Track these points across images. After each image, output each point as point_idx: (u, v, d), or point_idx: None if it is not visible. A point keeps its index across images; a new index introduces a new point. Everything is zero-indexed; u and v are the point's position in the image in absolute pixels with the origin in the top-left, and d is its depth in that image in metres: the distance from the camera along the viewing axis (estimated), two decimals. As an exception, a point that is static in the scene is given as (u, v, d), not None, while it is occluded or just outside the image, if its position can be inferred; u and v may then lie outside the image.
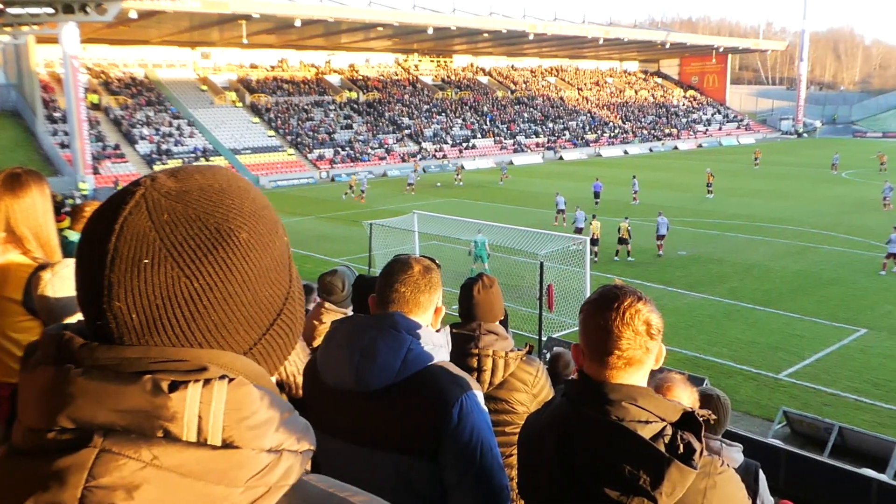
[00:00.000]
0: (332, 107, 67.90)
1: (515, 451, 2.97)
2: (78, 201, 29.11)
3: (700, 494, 1.74)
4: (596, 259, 25.04)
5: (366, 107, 69.78)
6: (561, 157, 68.06)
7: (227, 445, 0.73)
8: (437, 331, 2.31)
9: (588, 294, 18.39)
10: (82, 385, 0.72)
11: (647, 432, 1.73)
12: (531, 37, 72.59)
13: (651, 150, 74.29)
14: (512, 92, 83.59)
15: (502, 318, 3.61)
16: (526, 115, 77.78)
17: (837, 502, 9.59)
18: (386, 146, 62.60)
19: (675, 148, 76.32)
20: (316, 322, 4.94)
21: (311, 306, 8.65)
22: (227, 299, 0.76)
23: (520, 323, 16.46)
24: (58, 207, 6.00)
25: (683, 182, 44.87)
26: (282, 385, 3.29)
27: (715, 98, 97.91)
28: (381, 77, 77.72)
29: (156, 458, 0.70)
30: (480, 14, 72.76)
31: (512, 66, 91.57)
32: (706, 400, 3.60)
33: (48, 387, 0.73)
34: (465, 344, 3.30)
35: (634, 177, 38.64)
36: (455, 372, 2.19)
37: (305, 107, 66.06)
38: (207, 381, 0.73)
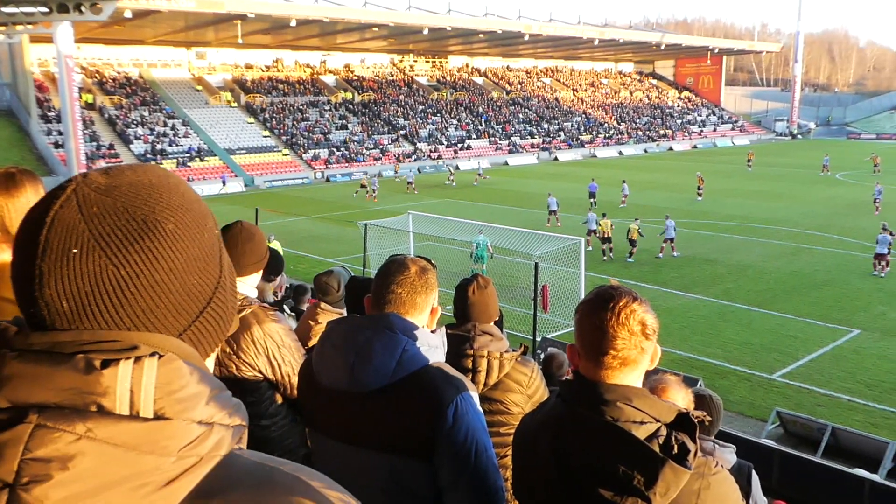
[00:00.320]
0: (327, 107, 67.85)
1: (510, 452, 2.98)
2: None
3: (694, 495, 1.74)
4: (611, 256, 25.35)
5: (361, 107, 69.75)
6: (556, 158, 68.14)
7: (158, 417, 0.77)
8: (433, 331, 2.31)
9: (582, 295, 18.39)
10: (17, 367, 0.76)
11: (641, 433, 1.73)
12: (526, 37, 72.65)
13: (646, 151, 74.44)
14: (507, 93, 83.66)
15: (497, 318, 3.62)
16: (521, 115, 77.85)
17: (830, 502, 9.62)
18: (381, 147, 62.58)
19: (670, 149, 76.50)
20: (312, 322, 4.94)
21: (305, 307, 8.68)
22: (154, 286, 0.79)
23: (514, 323, 16.48)
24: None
25: (678, 183, 44.94)
26: (277, 385, 3.29)
27: (710, 99, 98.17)
28: (377, 77, 77.70)
29: (90, 430, 0.73)
30: (476, 15, 72.81)
31: (507, 67, 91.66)
32: (698, 400, 3.60)
33: None
34: (459, 345, 3.30)
35: (624, 181, 38.65)
36: (450, 373, 2.19)
37: (300, 107, 66.00)
38: (138, 359, 0.77)
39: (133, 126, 55.49)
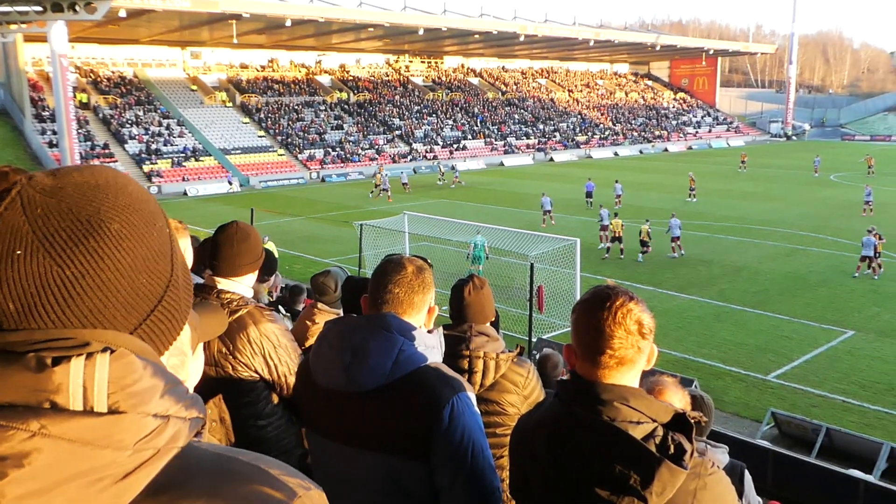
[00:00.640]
0: (322, 107, 67.78)
1: (506, 453, 2.98)
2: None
3: (690, 495, 1.74)
4: (622, 256, 25.53)
5: (356, 107, 69.70)
6: (551, 159, 68.19)
7: (112, 412, 0.77)
8: (430, 331, 2.31)
9: (578, 295, 18.44)
10: None
11: (638, 433, 1.74)
12: (522, 38, 72.69)
13: (641, 152, 74.56)
14: (503, 93, 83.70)
15: (493, 319, 3.61)
16: (517, 116, 77.89)
17: (825, 503, 9.65)
18: (376, 147, 62.55)
19: (666, 150, 76.63)
20: (308, 322, 4.93)
21: (301, 307, 8.65)
22: (101, 286, 0.79)
23: (510, 324, 16.48)
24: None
25: (673, 184, 45.00)
26: (273, 386, 3.28)
27: (705, 100, 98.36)
28: (372, 78, 77.66)
29: (43, 427, 0.73)
30: (471, 15, 72.76)
31: (503, 68, 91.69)
32: (690, 401, 3.61)
33: None
34: (455, 345, 3.30)
35: (617, 181, 38.69)
36: (447, 373, 2.19)
37: (296, 107, 65.93)
38: (90, 355, 0.77)
39: (128, 126, 55.34)
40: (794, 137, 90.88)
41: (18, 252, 0.77)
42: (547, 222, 31.09)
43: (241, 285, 3.29)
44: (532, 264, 16.01)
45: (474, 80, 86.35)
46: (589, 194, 37.33)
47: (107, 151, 51.26)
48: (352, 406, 2.17)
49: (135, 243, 0.83)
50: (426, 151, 63.98)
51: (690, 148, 79.00)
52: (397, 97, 74.39)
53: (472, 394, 2.20)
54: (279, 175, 53.92)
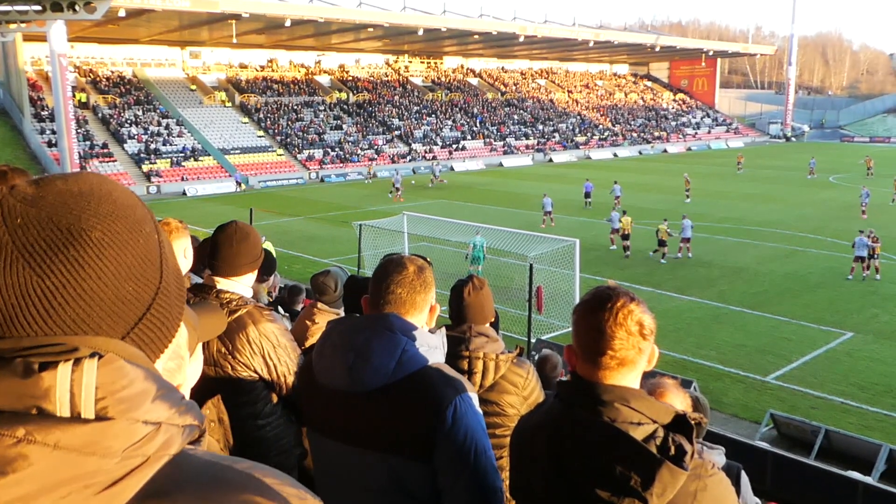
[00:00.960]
0: (321, 107, 67.78)
1: (506, 454, 2.97)
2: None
3: (690, 497, 1.74)
4: (628, 255, 25.72)
5: (356, 108, 69.71)
6: (551, 160, 68.20)
7: (101, 418, 0.75)
8: (433, 332, 2.31)
9: (577, 296, 18.48)
10: None
11: (638, 434, 1.73)
12: (521, 39, 72.71)
13: (640, 153, 74.57)
14: (502, 94, 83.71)
15: (493, 320, 3.61)
16: (516, 116, 77.91)
17: (824, 504, 9.64)
18: (376, 147, 62.54)
19: (665, 151, 76.65)
20: (309, 322, 4.93)
21: (299, 307, 8.64)
22: (83, 295, 0.78)
23: (509, 325, 16.47)
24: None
25: (672, 185, 45.01)
26: (273, 385, 3.28)
27: (704, 101, 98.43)
28: (372, 78, 77.67)
29: (29, 433, 0.72)
30: (471, 16, 72.78)
31: (502, 68, 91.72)
32: (685, 402, 3.61)
33: None
34: (455, 346, 3.29)
35: (616, 182, 38.72)
36: (449, 374, 2.19)
37: (295, 107, 65.92)
38: (78, 360, 0.76)
39: (127, 125, 55.31)
40: (793, 139, 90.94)
41: None
42: (547, 223, 31.09)
43: (240, 285, 3.28)
44: (531, 265, 16.01)
45: (474, 81, 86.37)
46: (587, 194, 37.37)
47: (106, 151, 51.24)
48: (354, 406, 2.17)
49: (118, 251, 0.81)
50: (425, 152, 63.98)
51: (690, 149, 79.01)
52: (396, 97, 74.39)
53: (474, 395, 2.20)
54: (278, 175, 53.92)
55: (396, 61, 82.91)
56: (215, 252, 3.23)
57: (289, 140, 59.51)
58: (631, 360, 1.81)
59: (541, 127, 76.50)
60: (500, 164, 64.59)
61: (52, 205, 0.80)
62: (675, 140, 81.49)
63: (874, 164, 51.22)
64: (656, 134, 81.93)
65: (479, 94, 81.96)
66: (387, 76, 79.72)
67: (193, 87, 65.14)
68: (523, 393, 3.40)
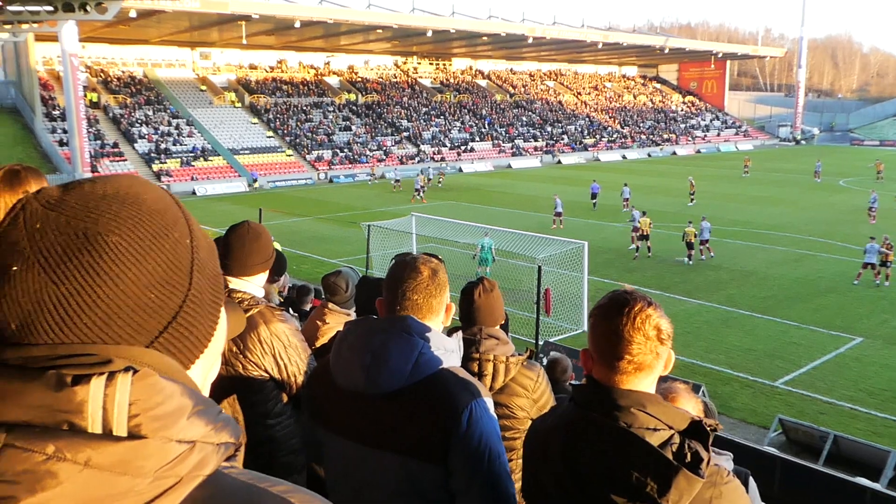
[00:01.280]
0: (330, 108, 67.91)
1: (516, 457, 2.96)
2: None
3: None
4: (650, 255, 25.82)
5: (364, 109, 69.81)
6: (559, 162, 68.13)
7: (133, 436, 0.73)
8: (449, 335, 2.31)
9: (586, 299, 18.38)
10: None
11: (655, 440, 1.72)
12: (530, 40, 72.68)
13: (650, 156, 74.43)
14: (511, 95, 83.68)
15: (503, 322, 3.60)
16: (524, 118, 77.85)
17: (832, 510, 9.59)
18: (384, 148, 62.61)
19: (674, 153, 76.46)
20: (319, 322, 4.93)
21: (308, 307, 8.65)
22: (100, 302, 0.75)
23: (517, 327, 16.46)
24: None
25: (681, 188, 44.86)
26: (283, 385, 3.29)
27: (713, 104, 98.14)
28: (380, 79, 77.77)
29: (59, 450, 0.69)
30: (479, 17, 72.83)
31: (511, 70, 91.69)
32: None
33: None
34: (465, 348, 3.28)
35: (626, 184, 38.69)
36: (465, 377, 2.20)
37: (304, 108, 66.07)
38: (112, 374, 0.73)
39: (137, 125, 55.56)
40: (802, 142, 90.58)
41: (15, 268, 0.74)
42: (557, 224, 31.06)
43: (251, 285, 3.29)
44: (539, 267, 15.98)
45: (482, 82, 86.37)
46: (594, 195, 37.34)
47: (116, 150, 51.48)
48: (370, 407, 2.18)
49: (140, 257, 0.77)
50: (434, 153, 64.01)
51: (699, 151, 78.80)
52: (405, 99, 74.45)
53: (490, 399, 2.20)
54: (287, 175, 54.04)
55: (405, 63, 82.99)
56: (227, 252, 3.23)
57: (298, 141, 59.64)
58: (648, 364, 1.80)
59: (549, 129, 76.43)
60: (509, 166, 64.58)
61: (73, 208, 0.77)
62: (684, 142, 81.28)
63: (884, 168, 50.97)
64: (665, 136, 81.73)
65: (488, 96, 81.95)
66: (395, 77, 79.81)
67: (203, 87, 65.36)
68: (533, 396, 3.39)
